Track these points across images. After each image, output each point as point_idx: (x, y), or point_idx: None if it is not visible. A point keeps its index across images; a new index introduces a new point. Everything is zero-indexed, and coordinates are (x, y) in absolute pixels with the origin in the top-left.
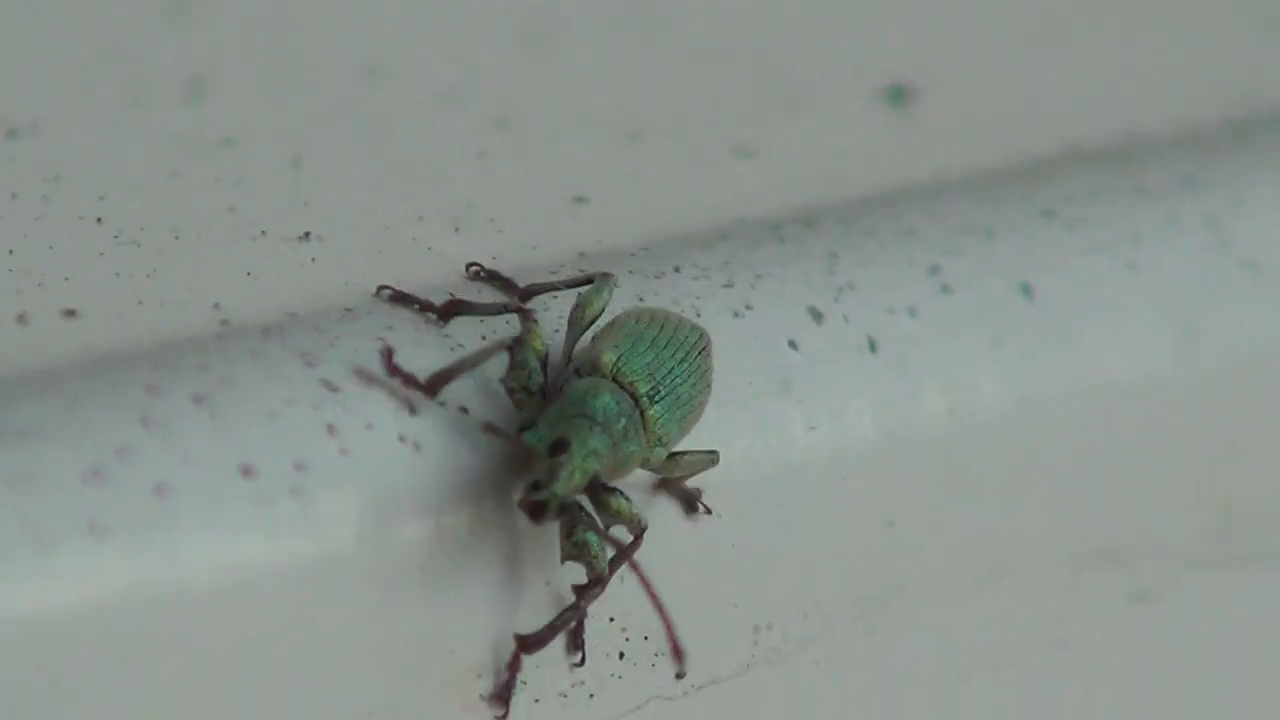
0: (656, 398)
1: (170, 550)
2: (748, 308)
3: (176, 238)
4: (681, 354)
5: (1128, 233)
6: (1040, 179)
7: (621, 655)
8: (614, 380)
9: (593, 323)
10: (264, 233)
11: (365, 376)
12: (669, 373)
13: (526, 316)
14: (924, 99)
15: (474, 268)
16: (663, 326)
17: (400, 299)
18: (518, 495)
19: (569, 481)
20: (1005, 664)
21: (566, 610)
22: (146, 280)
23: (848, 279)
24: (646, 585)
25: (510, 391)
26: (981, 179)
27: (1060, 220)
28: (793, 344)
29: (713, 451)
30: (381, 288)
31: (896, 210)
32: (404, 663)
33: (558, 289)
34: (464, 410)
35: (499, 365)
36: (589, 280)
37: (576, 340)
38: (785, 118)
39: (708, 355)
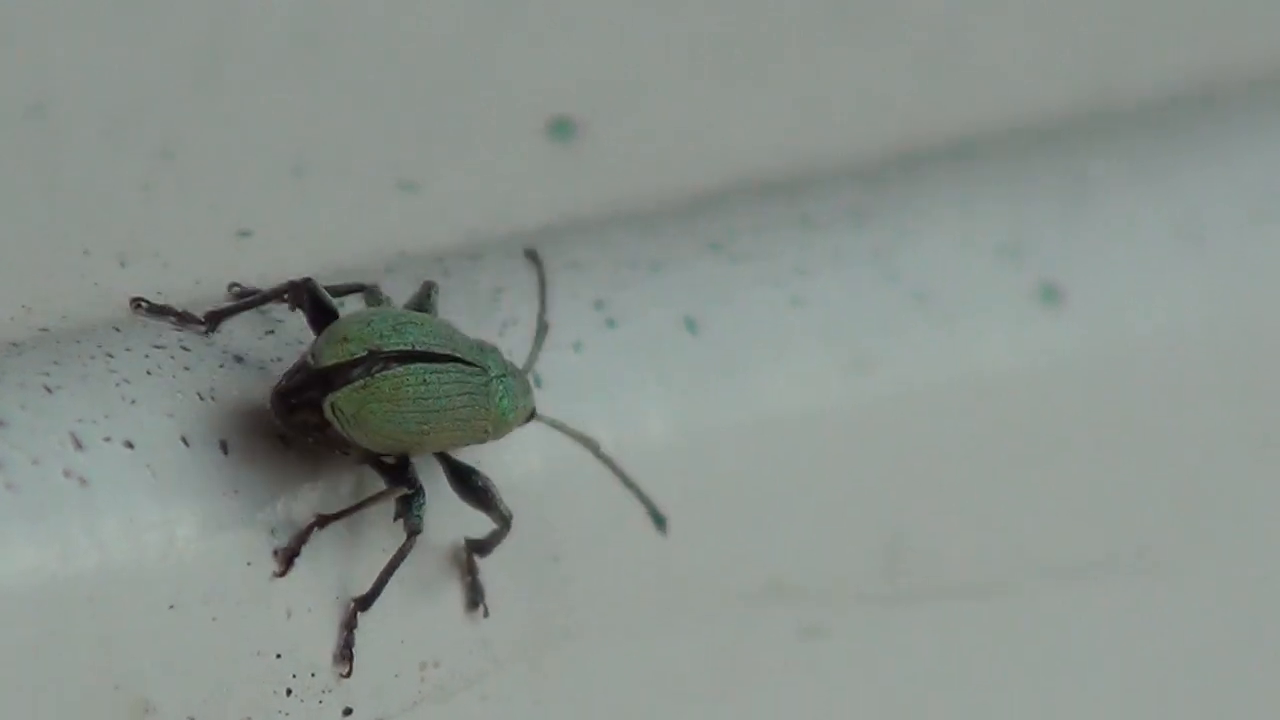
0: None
1: None
2: None
3: None
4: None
5: (794, 265)
6: (706, 212)
7: (289, 692)
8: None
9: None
10: None
11: (150, 310)
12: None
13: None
14: (590, 132)
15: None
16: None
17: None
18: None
19: None
20: (678, 703)
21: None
22: None
23: (512, 314)
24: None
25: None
26: (647, 212)
27: (726, 253)
28: None
29: None
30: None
31: (562, 244)
32: (71, 700)
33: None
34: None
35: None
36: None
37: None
38: (450, 151)
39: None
